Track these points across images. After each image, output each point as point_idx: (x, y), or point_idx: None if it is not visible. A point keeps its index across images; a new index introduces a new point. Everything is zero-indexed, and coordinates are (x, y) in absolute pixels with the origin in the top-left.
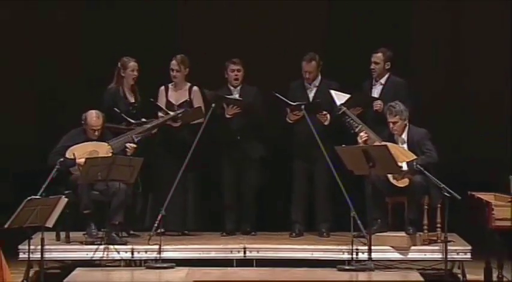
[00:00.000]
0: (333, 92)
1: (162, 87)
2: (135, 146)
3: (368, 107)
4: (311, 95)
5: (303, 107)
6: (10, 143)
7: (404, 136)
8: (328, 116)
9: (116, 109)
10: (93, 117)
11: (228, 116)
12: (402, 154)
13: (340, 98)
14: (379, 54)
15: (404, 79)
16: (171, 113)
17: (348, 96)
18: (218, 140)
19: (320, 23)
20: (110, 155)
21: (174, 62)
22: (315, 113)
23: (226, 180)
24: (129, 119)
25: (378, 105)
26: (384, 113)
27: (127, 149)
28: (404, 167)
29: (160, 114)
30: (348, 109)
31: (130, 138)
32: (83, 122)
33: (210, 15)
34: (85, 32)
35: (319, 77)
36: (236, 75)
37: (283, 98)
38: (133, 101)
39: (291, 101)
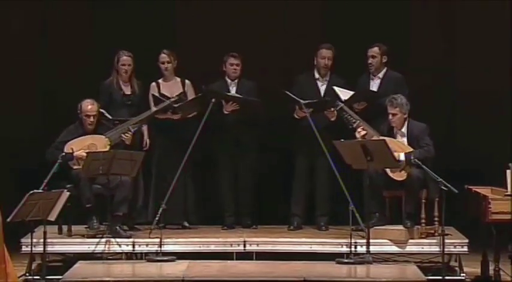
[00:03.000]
0: (336, 88)
1: (154, 83)
2: (130, 135)
3: (372, 102)
4: (322, 89)
5: (303, 105)
6: (12, 137)
7: (404, 130)
8: (335, 112)
9: (102, 110)
10: (88, 104)
11: (226, 112)
12: (400, 148)
13: (344, 94)
14: (375, 48)
15: (402, 74)
16: (166, 102)
17: (351, 92)
18: (215, 134)
19: (317, 19)
20: (108, 147)
21: (163, 55)
22: (323, 110)
23: (223, 172)
24: (115, 119)
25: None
26: (385, 105)
27: (124, 139)
28: (402, 157)
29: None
30: (353, 104)
31: (126, 129)
32: (78, 111)
33: (208, 14)
34: (87, 30)
35: (329, 72)
36: (235, 69)
37: (294, 96)
38: (129, 92)
39: (299, 96)
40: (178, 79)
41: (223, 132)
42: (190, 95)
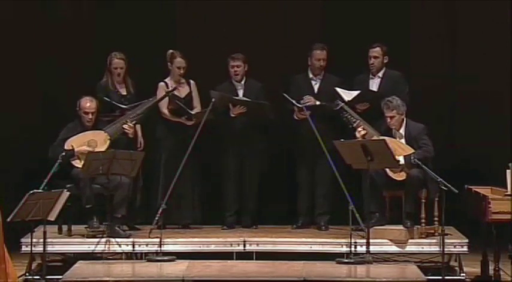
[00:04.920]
0: (338, 89)
1: (162, 83)
2: (132, 125)
3: (374, 102)
4: (316, 87)
5: (304, 109)
6: (12, 137)
7: (402, 131)
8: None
9: (106, 98)
10: (87, 101)
11: (232, 115)
12: (400, 148)
13: (347, 95)
14: (378, 49)
15: (401, 72)
16: (162, 95)
17: (354, 93)
18: (220, 135)
19: (316, 18)
20: (108, 142)
21: (181, 59)
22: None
23: (227, 172)
24: (120, 105)
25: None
26: (381, 107)
27: (126, 130)
28: (401, 160)
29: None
30: (355, 105)
31: (124, 122)
32: (77, 108)
33: (208, 15)
34: (88, 30)
35: (323, 71)
36: (236, 71)
37: (291, 99)
38: (125, 93)
39: (294, 95)
40: (183, 79)
41: (229, 133)
42: (195, 96)
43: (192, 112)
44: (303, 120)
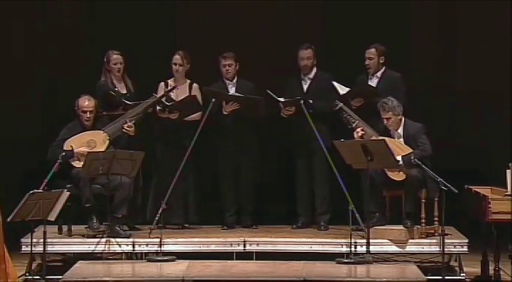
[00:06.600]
0: (335, 83)
1: (162, 83)
2: (131, 124)
3: (369, 98)
4: (305, 87)
5: (302, 101)
6: (12, 137)
7: (400, 130)
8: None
9: (112, 92)
10: (85, 99)
11: (225, 113)
12: (399, 148)
13: (343, 89)
14: (372, 50)
15: (400, 73)
16: (162, 93)
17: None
18: (216, 134)
19: (316, 18)
20: (107, 142)
21: (177, 56)
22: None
23: (224, 172)
24: (126, 101)
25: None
26: (378, 108)
27: (126, 131)
28: (400, 160)
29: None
30: (351, 100)
31: (124, 122)
32: (75, 107)
33: (208, 13)
34: (88, 30)
35: (315, 70)
36: (227, 70)
37: (274, 95)
38: (124, 91)
39: (287, 96)
40: (187, 82)
41: (224, 132)
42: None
43: (168, 103)
44: (290, 117)
